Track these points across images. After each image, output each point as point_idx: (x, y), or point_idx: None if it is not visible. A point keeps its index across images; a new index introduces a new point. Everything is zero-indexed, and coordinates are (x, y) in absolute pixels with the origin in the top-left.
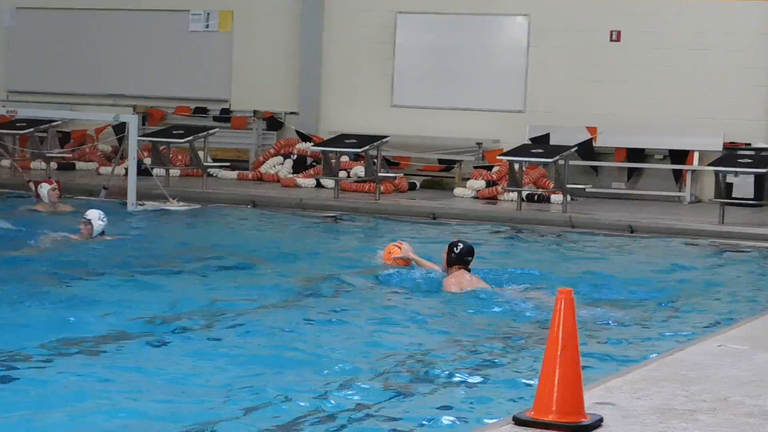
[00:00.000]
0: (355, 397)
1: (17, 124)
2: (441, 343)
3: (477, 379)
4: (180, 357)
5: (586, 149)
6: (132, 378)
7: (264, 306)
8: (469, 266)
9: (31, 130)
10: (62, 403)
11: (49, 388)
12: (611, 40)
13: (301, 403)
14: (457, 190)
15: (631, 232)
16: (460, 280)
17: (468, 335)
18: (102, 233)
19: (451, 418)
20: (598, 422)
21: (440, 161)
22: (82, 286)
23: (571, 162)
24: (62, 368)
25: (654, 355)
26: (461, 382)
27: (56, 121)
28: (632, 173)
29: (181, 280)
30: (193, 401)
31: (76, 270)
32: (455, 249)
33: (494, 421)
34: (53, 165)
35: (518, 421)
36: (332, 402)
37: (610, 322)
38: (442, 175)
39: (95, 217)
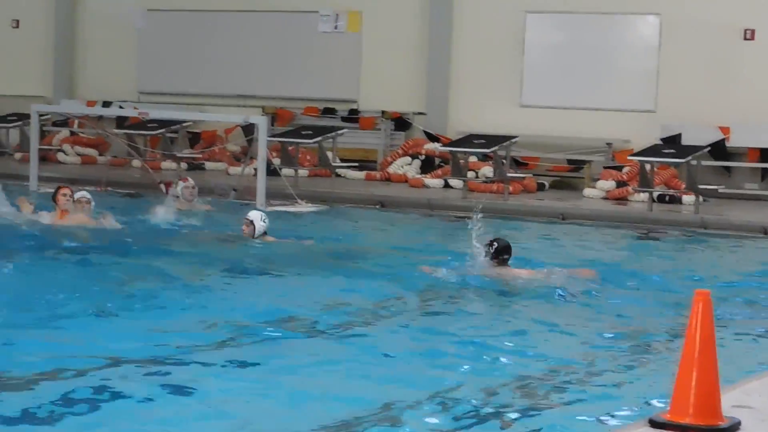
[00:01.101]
0: (489, 399)
1: (148, 125)
2: (572, 346)
3: (611, 380)
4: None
5: (719, 149)
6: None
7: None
8: (508, 263)
9: (162, 130)
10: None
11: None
12: (745, 38)
13: (441, 403)
14: (587, 191)
15: (765, 233)
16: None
17: (597, 336)
18: (264, 234)
19: (586, 420)
20: (736, 425)
21: (569, 161)
22: (243, 285)
23: (703, 162)
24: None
25: None
26: (595, 384)
27: (186, 121)
28: (766, 173)
29: (346, 279)
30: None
31: (238, 269)
32: (491, 248)
33: (630, 423)
34: (183, 165)
35: (654, 424)
36: (465, 403)
37: (746, 323)
38: (571, 175)
39: (257, 218)
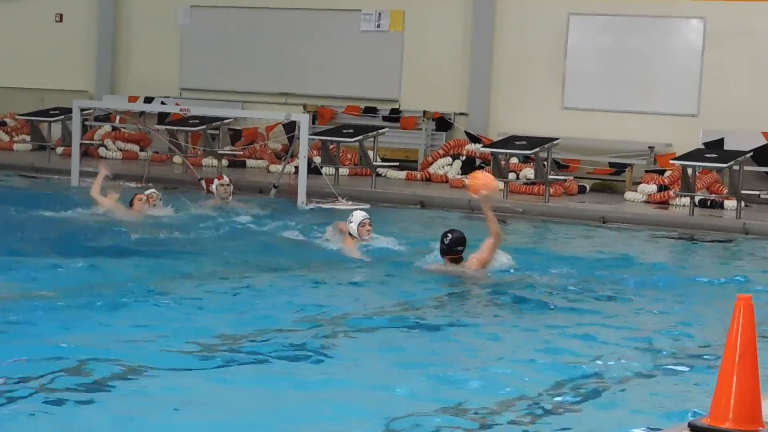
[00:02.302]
0: (525, 405)
1: (190, 122)
2: (609, 349)
3: (650, 384)
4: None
5: (762, 154)
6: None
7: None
8: (462, 256)
9: (203, 127)
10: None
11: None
12: None
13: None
14: (628, 194)
15: None
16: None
17: (636, 339)
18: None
19: (626, 424)
20: None
21: (611, 164)
22: (275, 284)
23: (746, 168)
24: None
25: None
26: (635, 387)
27: (228, 118)
28: None
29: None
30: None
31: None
32: (445, 239)
33: (669, 428)
34: (224, 162)
35: (694, 428)
36: (506, 410)
37: None
38: (612, 178)
39: (358, 219)
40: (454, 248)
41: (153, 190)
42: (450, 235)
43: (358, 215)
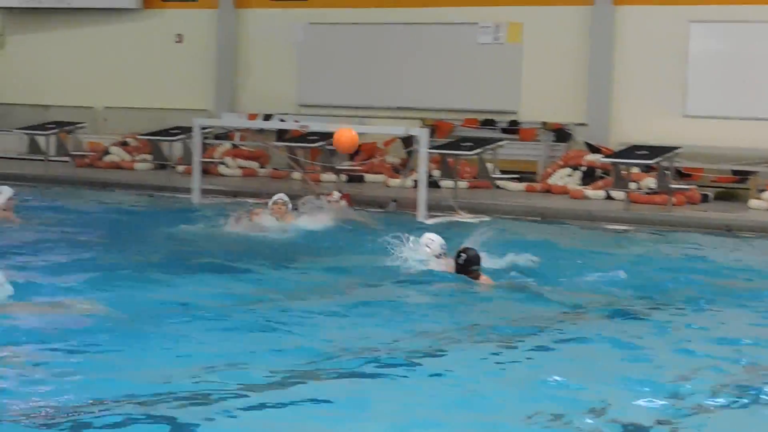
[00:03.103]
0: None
1: (308, 137)
2: (692, 367)
3: (730, 402)
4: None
5: None
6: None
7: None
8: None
9: (322, 143)
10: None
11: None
12: None
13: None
14: (752, 202)
15: None
16: None
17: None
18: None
19: None
20: None
21: (734, 172)
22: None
23: None
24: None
25: None
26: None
27: None
28: None
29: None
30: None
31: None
32: (459, 260)
33: None
34: (343, 177)
35: None
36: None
37: None
38: (736, 186)
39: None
40: (469, 267)
41: (281, 195)
42: (464, 255)
43: (425, 238)
